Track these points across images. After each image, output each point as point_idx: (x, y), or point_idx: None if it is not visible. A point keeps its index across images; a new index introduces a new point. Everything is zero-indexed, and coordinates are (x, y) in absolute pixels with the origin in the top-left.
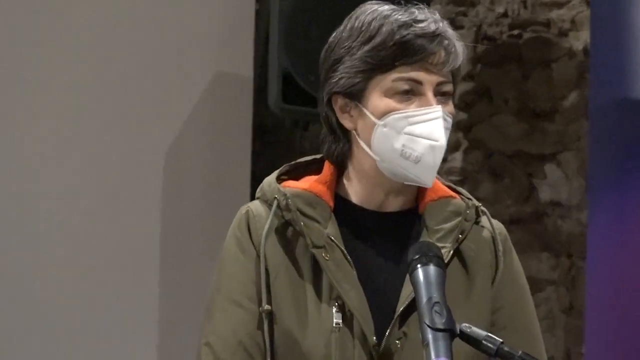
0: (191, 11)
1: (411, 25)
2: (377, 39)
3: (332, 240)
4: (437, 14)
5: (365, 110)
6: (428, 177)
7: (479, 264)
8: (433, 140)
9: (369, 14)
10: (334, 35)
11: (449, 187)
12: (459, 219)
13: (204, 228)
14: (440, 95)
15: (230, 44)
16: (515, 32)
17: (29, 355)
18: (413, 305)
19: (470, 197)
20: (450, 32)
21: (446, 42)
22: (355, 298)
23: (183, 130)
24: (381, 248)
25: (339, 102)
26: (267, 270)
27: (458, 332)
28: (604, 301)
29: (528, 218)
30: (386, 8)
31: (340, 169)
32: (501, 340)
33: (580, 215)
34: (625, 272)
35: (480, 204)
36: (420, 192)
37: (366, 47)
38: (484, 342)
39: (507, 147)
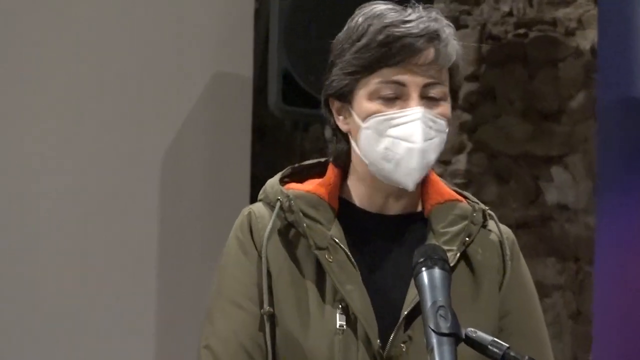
0: (190, 11)
1: (396, 26)
2: (364, 40)
3: (336, 242)
4: (435, 13)
5: (353, 113)
6: (409, 180)
7: (486, 268)
8: (411, 142)
9: (364, 13)
10: (337, 35)
11: (455, 191)
12: (466, 222)
13: (203, 230)
14: (428, 97)
15: (229, 44)
16: (521, 31)
17: (27, 356)
18: (418, 309)
19: (477, 201)
20: (444, 32)
21: (435, 42)
22: (359, 300)
23: (182, 131)
24: (386, 251)
25: (335, 104)
26: (269, 271)
27: (463, 336)
28: (612, 307)
29: (534, 222)
30: (383, 8)
31: (344, 172)
32: (507, 345)
33: (587, 218)
34: (634, 277)
35: (487, 208)
36: (425, 195)
37: (354, 49)
38: (489, 347)
39: (512, 149)
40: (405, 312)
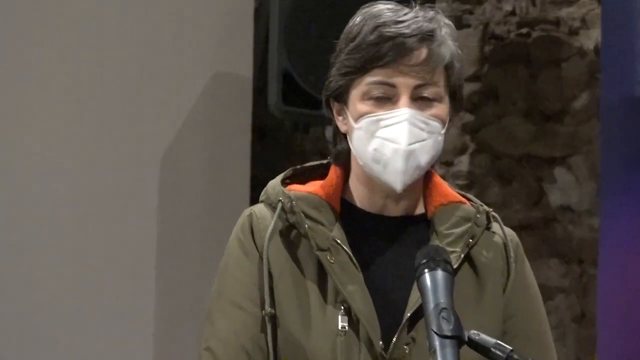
0: (189, 10)
1: (388, 26)
2: (357, 40)
3: (338, 243)
4: (433, 13)
5: (348, 113)
6: (397, 181)
7: (490, 270)
8: (397, 143)
9: (362, 13)
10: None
11: (458, 193)
12: (469, 224)
13: (202, 231)
14: (422, 98)
15: (229, 44)
16: (524, 30)
17: (25, 356)
18: (422, 310)
19: (481, 203)
20: (439, 32)
21: (428, 42)
22: (361, 301)
23: (181, 132)
24: (388, 252)
25: (334, 105)
26: (270, 272)
27: (466, 339)
28: (616, 310)
29: (537, 223)
30: (382, 8)
31: (346, 173)
32: (511, 348)
33: (591, 220)
34: (639, 279)
35: (491, 210)
36: (428, 197)
37: (348, 49)
38: (492, 349)
39: (515, 149)
40: (409, 314)
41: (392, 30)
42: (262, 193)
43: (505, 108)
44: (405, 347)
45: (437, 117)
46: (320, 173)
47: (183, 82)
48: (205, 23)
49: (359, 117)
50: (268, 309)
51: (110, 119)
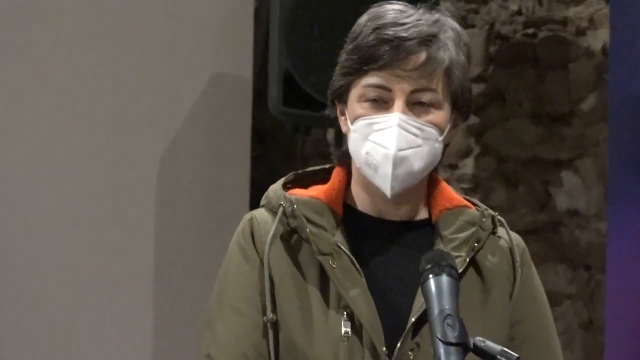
0: (187, 10)
1: (387, 28)
2: (357, 41)
3: (340, 248)
4: (437, 16)
5: (347, 114)
6: (386, 186)
7: (495, 274)
8: (386, 148)
9: (369, 12)
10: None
11: (464, 198)
12: (474, 228)
13: (201, 235)
14: (419, 103)
15: (228, 44)
16: (530, 30)
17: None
18: (426, 315)
19: (486, 207)
20: (442, 35)
21: (427, 46)
22: (364, 306)
23: (180, 134)
24: (391, 256)
25: (338, 105)
26: (271, 278)
27: (471, 346)
28: (625, 316)
29: (544, 228)
30: (388, 8)
31: (348, 177)
32: (517, 355)
33: (599, 224)
34: None
35: (496, 214)
36: (432, 201)
37: (349, 49)
38: (498, 356)
39: (521, 152)
40: (413, 319)
41: (390, 32)
42: (263, 197)
43: (511, 110)
44: (409, 352)
45: (433, 124)
46: (322, 177)
47: (181, 83)
48: (205, 23)
49: (354, 119)
50: (269, 315)
51: (109, 121)
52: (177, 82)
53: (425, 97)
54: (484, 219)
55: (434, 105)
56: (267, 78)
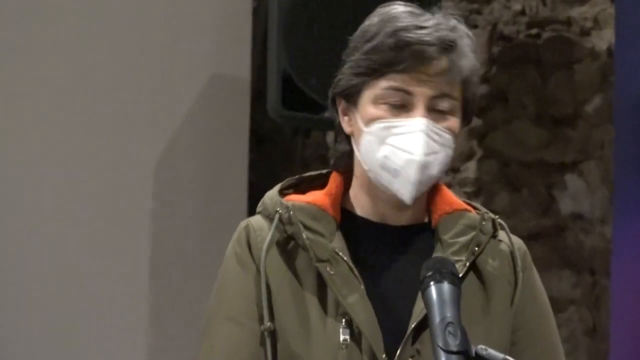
0: (185, 9)
1: (409, 31)
2: (374, 42)
3: (338, 254)
4: (454, 22)
5: (357, 115)
6: (407, 192)
7: (496, 279)
8: (411, 154)
9: (380, 13)
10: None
11: (464, 202)
12: (474, 232)
13: (198, 239)
14: (436, 110)
15: (226, 44)
16: (534, 31)
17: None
18: (427, 321)
19: (487, 211)
20: (461, 43)
21: (449, 53)
22: (363, 313)
23: (177, 136)
24: (390, 262)
25: (341, 103)
26: (268, 285)
27: (473, 354)
28: (630, 322)
29: (548, 232)
30: (401, 10)
31: (346, 182)
32: None
33: (604, 229)
34: None
35: (497, 217)
36: (433, 206)
37: (364, 49)
38: None
39: (524, 155)
40: (413, 325)
41: (413, 36)
42: (259, 204)
43: (515, 112)
44: (409, 359)
45: (450, 130)
46: (320, 183)
47: (179, 84)
48: (202, 23)
49: (370, 121)
50: (267, 323)
51: (107, 121)
52: (174, 83)
53: (445, 103)
54: (484, 223)
55: (451, 112)
56: (265, 79)
